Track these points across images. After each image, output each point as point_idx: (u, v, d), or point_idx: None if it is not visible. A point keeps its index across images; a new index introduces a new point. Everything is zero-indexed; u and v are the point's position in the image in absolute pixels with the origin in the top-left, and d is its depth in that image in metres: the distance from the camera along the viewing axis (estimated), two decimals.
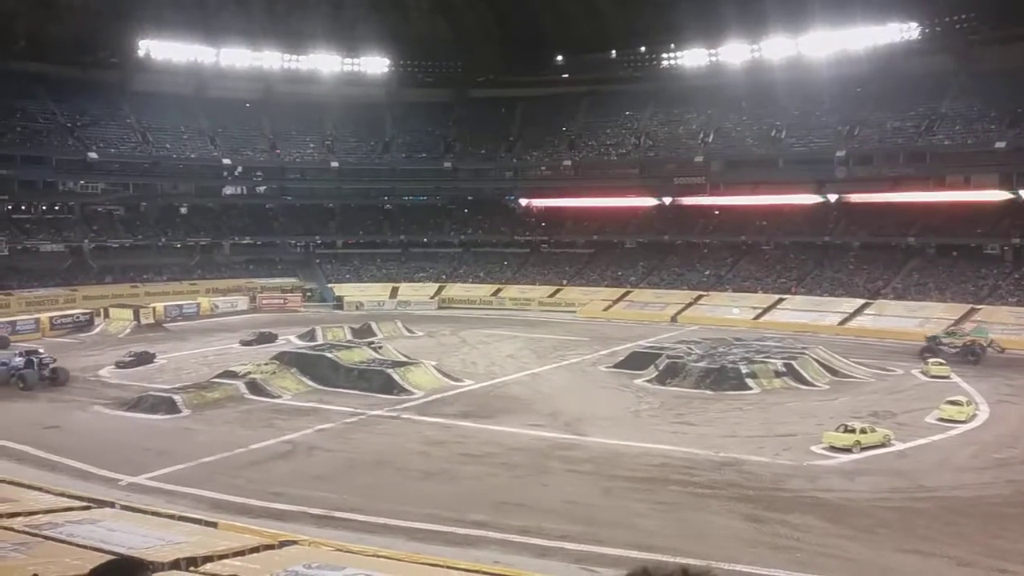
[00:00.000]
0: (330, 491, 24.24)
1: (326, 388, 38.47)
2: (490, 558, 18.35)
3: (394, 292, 76.14)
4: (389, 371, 39.41)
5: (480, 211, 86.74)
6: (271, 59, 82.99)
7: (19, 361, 39.01)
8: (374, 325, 57.06)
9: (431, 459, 27.97)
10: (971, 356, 45.18)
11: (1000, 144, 63.13)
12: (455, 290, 76.69)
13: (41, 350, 42.58)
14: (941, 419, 32.24)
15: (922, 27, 70.25)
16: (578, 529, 21.06)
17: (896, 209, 68.39)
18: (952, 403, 33.05)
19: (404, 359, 43.20)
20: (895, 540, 20.44)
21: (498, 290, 76.25)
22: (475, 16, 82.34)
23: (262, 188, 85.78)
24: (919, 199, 67.10)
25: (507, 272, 79.45)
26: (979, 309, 56.57)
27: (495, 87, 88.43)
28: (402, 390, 37.77)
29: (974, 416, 32.86)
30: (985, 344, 46.45)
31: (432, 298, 75.11)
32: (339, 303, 73.18)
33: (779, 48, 75.41)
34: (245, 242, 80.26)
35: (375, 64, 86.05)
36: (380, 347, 46.39)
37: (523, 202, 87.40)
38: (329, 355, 41.75)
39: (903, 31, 70.64)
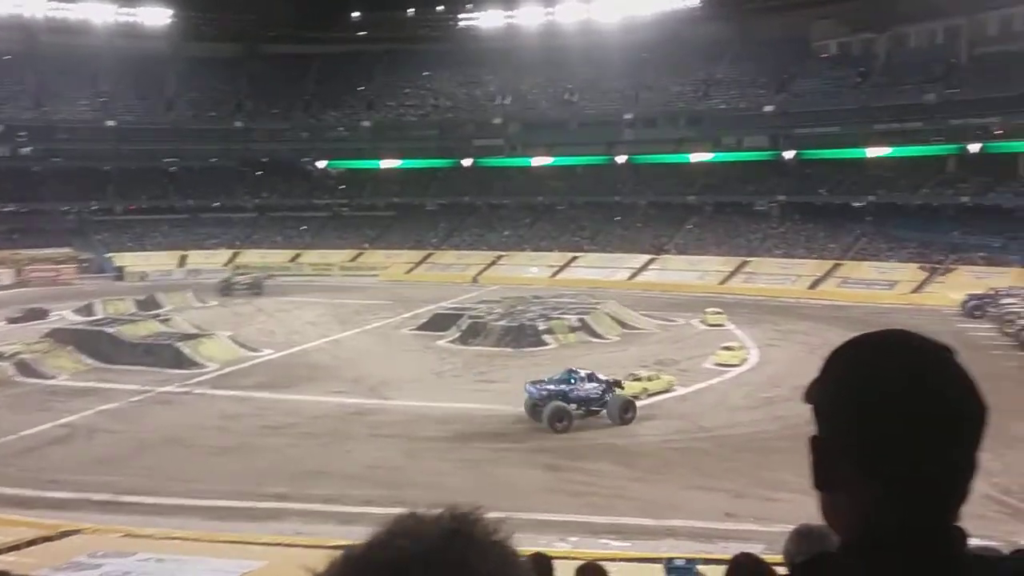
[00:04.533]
0: (115, 475, 22.70)
1: (108, 366, 35.79)
2: (291, 530, 17.97)
3: (183, 260, 71.83)
4: (178, 344, 37.28)
5: (275, 173, 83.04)
6: (34, 6, 74.82)
7: (592, 387, 28.61)
8: (161, 296, 53.70)
9: (227, 434, 26.87)
10: (255, 289, 59.45)
11: (768, 108, 68.60)
12: (250, 257, 73.32)
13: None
14: (717, 364, 34.93)
15: None
16: (383, 493, 20.97)
17: (679, 169, 72.77)
18: (726, 348, 35.96)
19: (195, 331, 40.99)
20: (680, 479, 22.03)
21: (297, 255, 73.95)
22: None
23: (27, 149, 77.55)
24: (698, 160, 71.80)
25: (306, 237, 77.12)
26: (750, 261, 61.71)
27: (289, 43, 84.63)
28: (193, 364, 35.87)
29: (745, 360, 35.85)
30: (264, 279, 61.69)
31: (226, 266, 71.28)
32: (120, 274, 67.97)
33: (572, 12, 77.44)
34: (8, 209, 72.22)
35: (155, 15, 79.61)
36: (168, 319, 43.78)
37: (320, 164, 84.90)
38: (109, 330, 38.88)
39: None
